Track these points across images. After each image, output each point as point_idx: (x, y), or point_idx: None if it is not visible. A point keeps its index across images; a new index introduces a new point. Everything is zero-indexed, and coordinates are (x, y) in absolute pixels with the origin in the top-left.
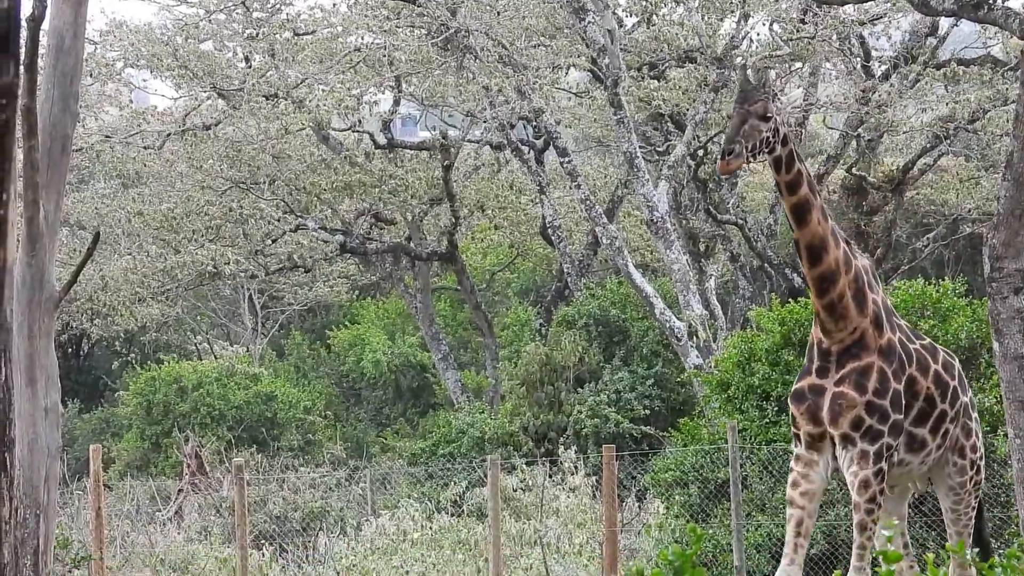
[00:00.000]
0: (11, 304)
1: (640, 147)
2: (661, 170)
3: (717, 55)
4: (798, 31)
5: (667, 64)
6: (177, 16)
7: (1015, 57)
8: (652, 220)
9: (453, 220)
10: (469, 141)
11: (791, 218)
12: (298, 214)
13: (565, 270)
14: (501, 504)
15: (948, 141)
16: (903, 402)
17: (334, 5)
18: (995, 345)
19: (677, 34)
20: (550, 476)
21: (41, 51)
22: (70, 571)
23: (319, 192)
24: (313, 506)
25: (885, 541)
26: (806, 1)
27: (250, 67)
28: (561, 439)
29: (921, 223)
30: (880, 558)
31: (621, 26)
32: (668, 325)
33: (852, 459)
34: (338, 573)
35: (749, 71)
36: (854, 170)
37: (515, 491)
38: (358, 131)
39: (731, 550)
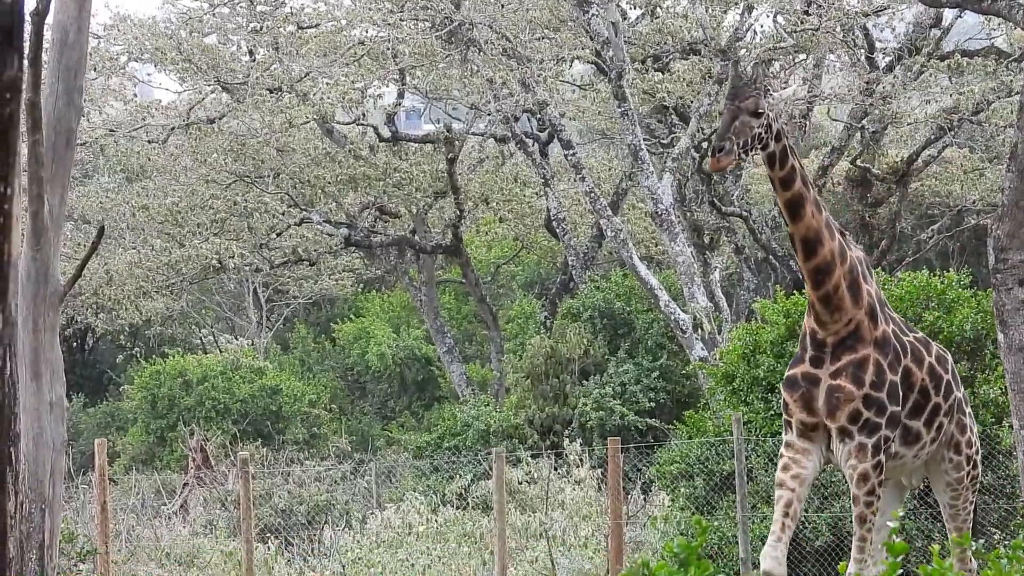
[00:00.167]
0: (16, 298)
1: (644, 139)
2: (665, 162)
3: (721, 47)
4: (802, 23)
5: (671, 56)
6: (181, 10)
7: (1019, 48)
8: (656, 212)
9: (457, 213)
10: (473, 134)
11: (785, 213)
12: (302, 207)
13: (570, 263)
14: (506, 497)
15: (952, 132)
16: (900, 394)
17: None
18: (1000, 336)
19: (681, 26)
20: (555, 469)
21: (45, 45)
22: (76, 565)
23: (323, 185)
24: (318, 499)
25: (890, 533)
26: None
27: (254, 61)
28: (566, 432)
29: (925, 215)
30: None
31: (625, 18)
32: (673, 317)
33: (850, 452)
34: (343, 566)
35: (741, 67)
36: (858, 162)
37: (520, 484)
38: (362, 124)
39: (736, 542)
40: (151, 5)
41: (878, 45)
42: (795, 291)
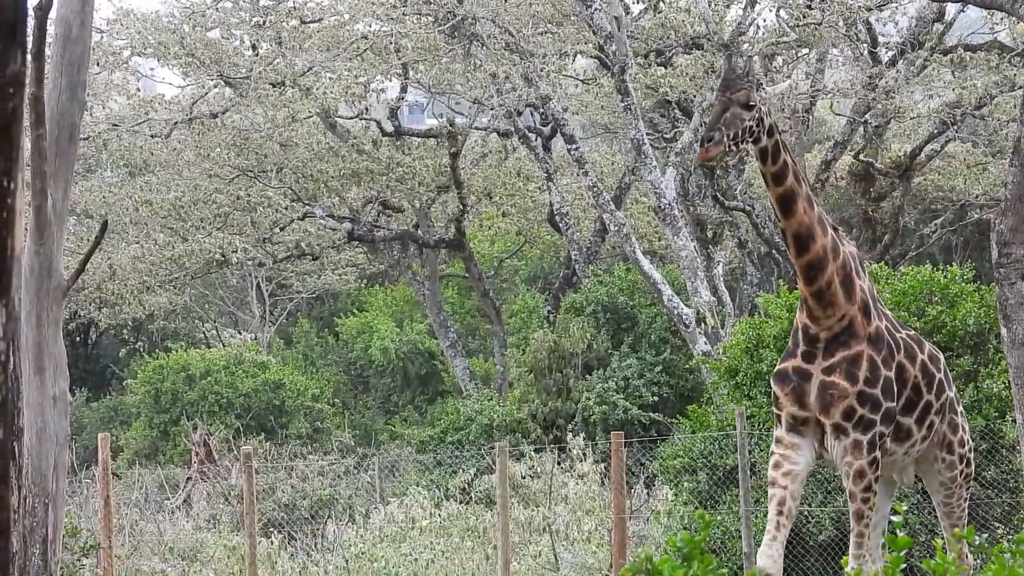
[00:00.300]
0: (19, 293)
1: (647, 134)
2: (668, 157)
3: (724, 41)
4: (805, 17)
5: (674, 51)
6: (184, 4)
7: (1022, 43)
8: (660, 207)
9: (461, 207)
10: (476, 128)
11: (777, 209)
12: (306, 202)
13: (573, 257)
14: (510, 491)
15: (955, 127)
16: (895, 390)
17: None
18: (1003, 331)
19: (684, 21)
20: (558, 463)
21: (49, 40)
22: (79, 559)
23: (326, 180)
24: (322, 494)
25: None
26: None
27: (257, 55)
28: (569, 426)
29: (929, 209)
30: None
31: (628, 13)
32: (676, 312)
33: (846, 449)
34: (347, 561)
35: (734, 60)
36: (861, 156)
37: (523, 478)
38: (365, 119)
39: (740, 536)
40: (154, 0)
41: (881, 39)
42: (798, 285)
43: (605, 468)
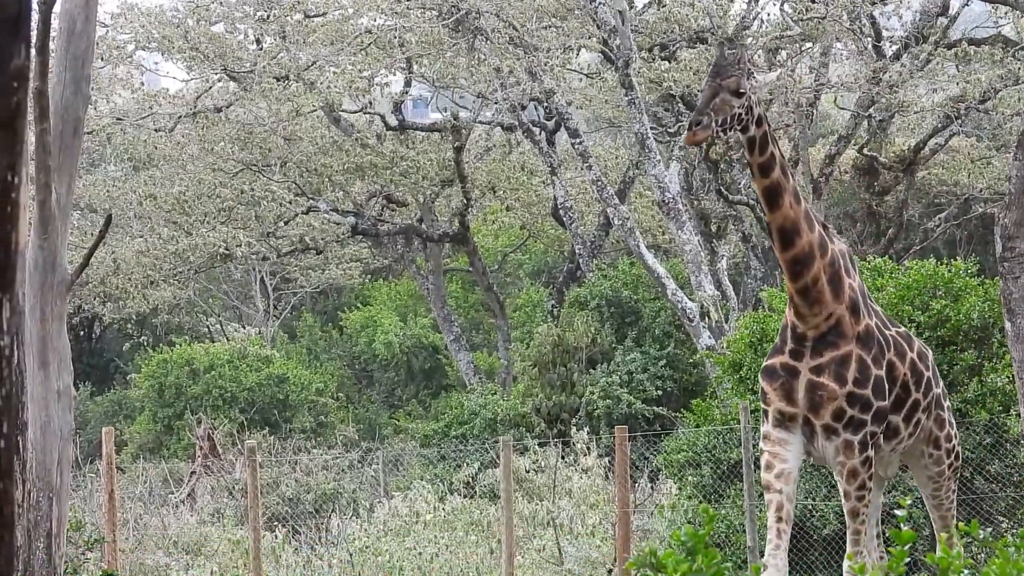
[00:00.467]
0: (23, 287)
1: (651, 128)
2: (672, 151)
3: (728, 36)
4: (808, 11)
5: (678, 45)
6: None
7: None
8: (664, 201)
9: (465, 202)
10: (480, 122)
11: (763, 201)
12: (310, 196)
13: (577, 251)
14: (514, 485)
15: (959, 121)
16: (886, 388)
17: None
18: (1007, 325)
19: (688, 15)
20: (562, 457)
21: (53, 34)
22: (83, 554)
23: (330, 174)
24: (326, 488)
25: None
26: None
27: (261, 49)
28: (573, 420)
29: (933, 203)
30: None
31: (632, 7)
32: (680, 306)
33: (837, 449)
34: (351, 555)
35: (726, 47)
36: (865, 150)
37: (528, 472)
38: (369, 113)
39: (744, 531)
40: None
41: (885, 33)
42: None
43: (609, 462)
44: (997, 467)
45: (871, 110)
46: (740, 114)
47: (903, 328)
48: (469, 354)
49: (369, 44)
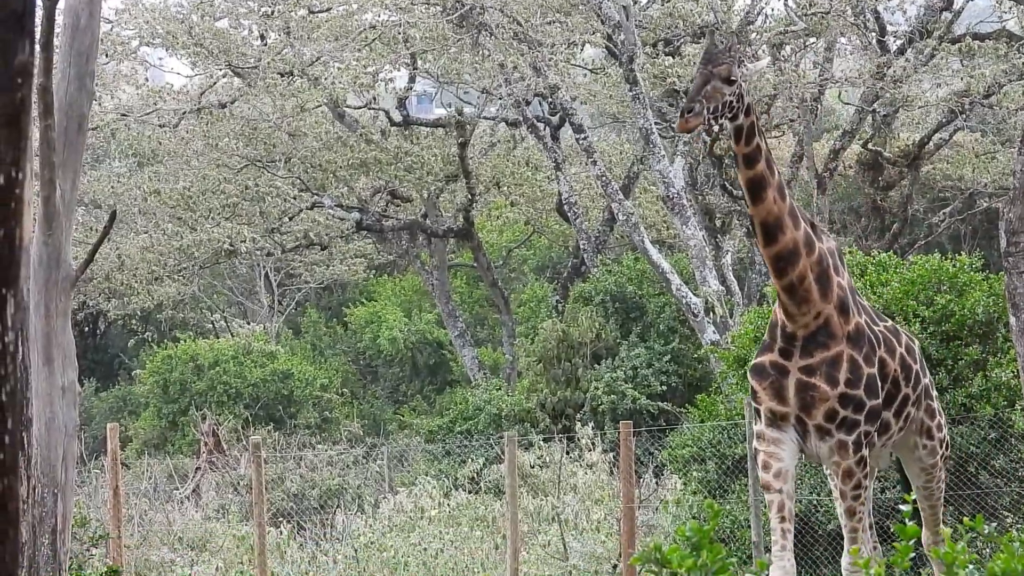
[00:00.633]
0: (28, 283)
1: (655, 123)
2: (677, 146)
3: (732, 31)
4: (812, 6)
5: (682, 40)
6: None
7: None
8: (668, 196)
9: (469, 197)
10: (485, 118)
11: (746, 193)
12: (314, 192)
13: (581, 246)
14: (518, 481)
15: (963, 116)
16: (879, 386)
17: None
18: (1012, 320)
19: (692, 10)
20: (567, 453)
21: (57, 30)
22: (88, 549)
23: (335, 170)
24: (330, 484)
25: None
26: None
27: (265, 45)
28: (578, 415)
29: (937, 198)
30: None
31: (636, 2)
32: (685, 301)
33: (831, 450)
34: (356, 550)
35: (717, 35)
36: (870, 145)
37: (532, 468)
38: (374, 108)
39: (749, 526)
40: None
41: (889, 28)
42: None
43: (614, 457)
44: (1002, 462)
45: (875, 105)
46: (731, 102)
47: (890, 322)
48: (474, 349)
49: (373, 40)
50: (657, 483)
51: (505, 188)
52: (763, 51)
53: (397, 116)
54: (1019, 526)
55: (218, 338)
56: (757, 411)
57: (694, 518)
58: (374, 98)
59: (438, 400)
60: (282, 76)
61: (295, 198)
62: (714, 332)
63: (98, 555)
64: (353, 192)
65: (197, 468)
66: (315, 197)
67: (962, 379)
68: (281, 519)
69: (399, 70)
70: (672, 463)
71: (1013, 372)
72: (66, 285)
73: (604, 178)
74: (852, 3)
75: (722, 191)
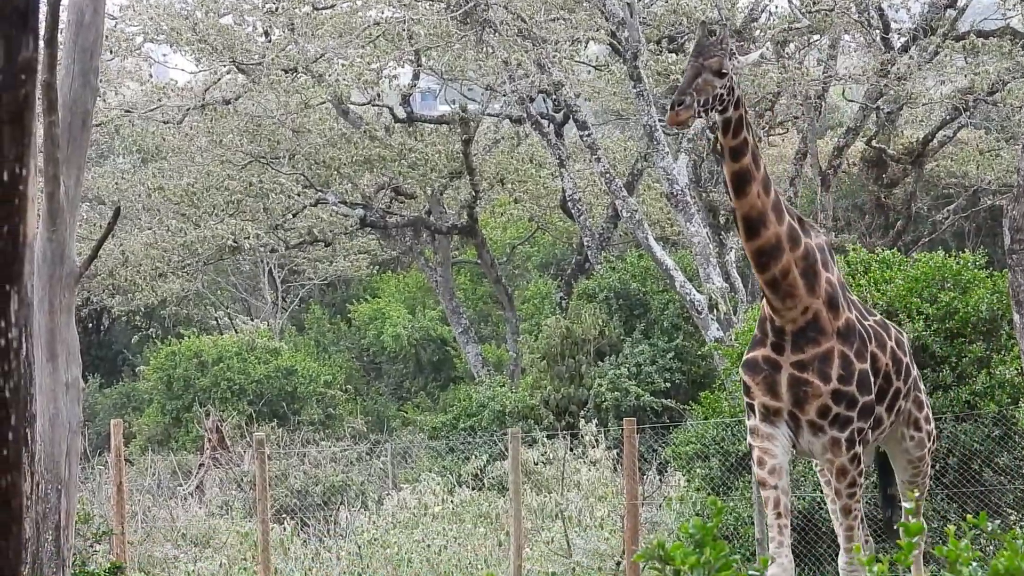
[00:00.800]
0: (32, 279)
1: (659, 120)
2: (681, 143)
3: (736, 28)
4: (816, 3)
5: (686, 37)
6: None
7: None
8: (672, 193)
9: (473, 194)
10: (489, 115)
11: (730, 186)
12: (318, 188)
13: (585, 243)
14: (522, 477)
15: (967, 113)
16: (871, 382)
17: None
18: (1015, 317)
19: (696, 7)
20: (571, 449)
21: (61, 26)
22: (91, 546)
23: (339, 166)
24: (334, 480)
25: (906, 513)
26: None
27: (269, 41)
28: (582, 412)
29: (941, 195)
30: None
31: None
32: (688, 298)
33: (825, 447)
34: (359, 547)
35: (708, 27)
36: (874, 142)
37: (536, 464)
38: (378, 105)
39: (752, 523)
40: None
41: (893, 25)
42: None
43: (617, 454)
44: (1006, 459)
45: (879, 102)
46: (722, 94)
47: (879, 316)
48: (477, 346)
49: (377, 36)
50: (661, 480)
51: (509, 185)
52: (755, 47)
53: (401, 113)
54: (1023, 523)
55: (222, 334)
56: (750, 406)
57: (697, 515)
58: (378, 95)
59: (442, 397)
60: (286, 72)
61: (299, 195)
62: (718, 329)
63: (101, 551)
64: (357, 189)
65: (201, 464)
66: (319, 194)
67: (966, 376)
68: (285, 516)
69: (403, 67)
70: (676, 460)
71: (1017, 369)
72: (70, 281)
73: (608, 175)
74: (856, 0)
75: (726, 188)
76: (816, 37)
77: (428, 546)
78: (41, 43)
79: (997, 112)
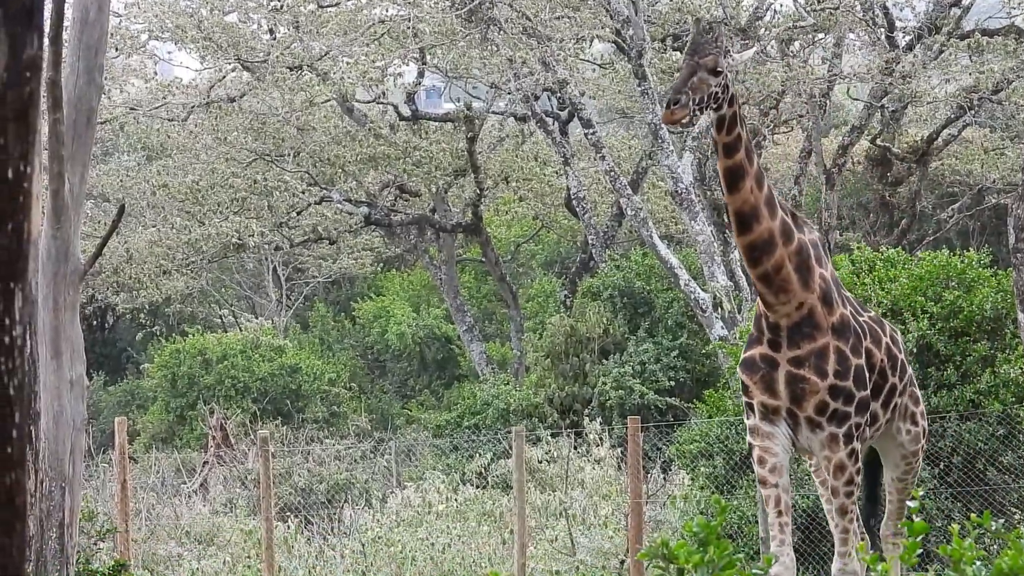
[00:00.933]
0: (36, 277)
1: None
2: (685, 141)
3: (741, 26)
4: (821, 1)
5: (690, 35)
6: None
7: None
8: (676, 191)
9: (478, 192)
10: (493, 113)
11: (724, 181)
12: (323, 186)
13: (590, 241)
14: (526, 476)
15: (972, 112)
16: (866, 377)
17: None
18: (1020, 316)
19: (700, 5)
20: (575, 448)
21: (66, 24)
22: (95, 543)
23: (344, 164)
24: (338, 478)
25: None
26: None
27: (274, 39)
28: (586, 411)
29: (946, 194)
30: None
31: None
32: (693, 296)
33: (822, 443)
34: (363, 545)
35: (702, 25)
36: (878, 141)
37: (540, 463)
38: (382, 103)
39: (756, 522)
40: None
41: (898, 24)
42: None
43: (622, 453)
44: (1010, 458)
45: (884, 101)
46: (716, 92)
47: (874, 312)
48: (482, 344)
49: (382, 34)
50: (665, 479)
51: (514, 183)
52: (759, 45)
53: (406, 111)
54: None
55: (226, 332)
56: (749, 405)
57: (701, 514)
58: (383, 93)
59: (446, 395)
60: (291, 70)
61: (304, 192)
62: (722, 327)
63: (105, 549)
64: (362, 187)
65: (205, 462)
66: (324, 191)
67: (970, 375)
68: (288, 513)
69: (408, 65)
70: (680, 459)
71: (1021, 368)
72: (74, 279)
73: (613, 173)
74: None
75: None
76: (821, 35)
77: (432, 544)
78: (46, 40)
79: (1002, 111)
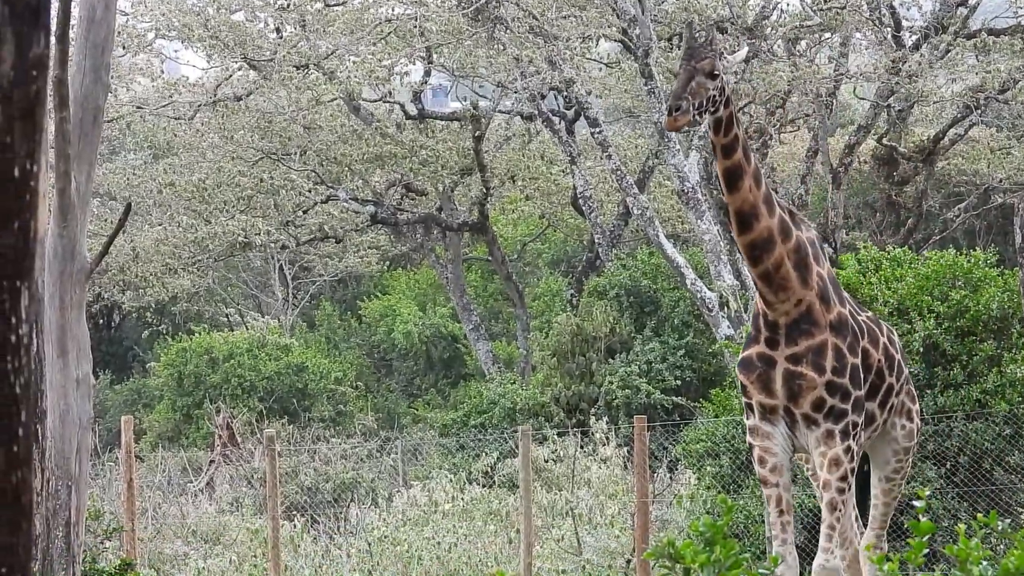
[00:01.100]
0: (43, 275)
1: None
2: (692, 140)
3: (748, 25)
4: (828, 1)
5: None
6: None
7: None
8: (683, 190)
9: (484, 191)
10: (500, 111)
11: (723, 182)
12: (329, 185)
13: (596, 240)
14: (532, 475)
15: (979, 111)
16: (862, 376)
17: None
18: None
19: (707, 4)
20: (581, 447)
21: (72, 22)
22: (102, 542)
23: (350, 163)
24: (344, 477)
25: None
26: None
27: (281, 38)
28: (592, 410)
29: (952, 193)
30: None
31: None
32: (699, 295)
33: (818, 440)
34: (369, 544)
35: (697, 29)
36: (885, 140)
37: (546, 462)
38: (389, 102)
39: (763, 521)
40: None
41: (904, 23)
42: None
43: (628, 452)
44: (1016, 458)
45: (891, 100)
46: (714, 96)
47: (871, 312)
48: (488, 343)
49: (389, 33)
50: (671, 478)
51: (520, 182)
52: (765, 44)
53: (412, 110)
54: None
55: (232, 331)
56: (749, 406)
57: (708, 513)
58: (389, 92)
59: (452, 394)
60: (297, 69)
61: (310, 191)
62: (728, 327)
63: (112, 548)
64: (368, 185)
65: (211, 461)
66: (330, 190)
67: (976, 375)
68: (295, 512)
69: (414, 64)
70: (686, 458)
71: None
72: (81, 277)
73: (619, 172)
74: None
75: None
76: (827, 35)
77: (438, 543)
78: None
79: (1008, 110)
